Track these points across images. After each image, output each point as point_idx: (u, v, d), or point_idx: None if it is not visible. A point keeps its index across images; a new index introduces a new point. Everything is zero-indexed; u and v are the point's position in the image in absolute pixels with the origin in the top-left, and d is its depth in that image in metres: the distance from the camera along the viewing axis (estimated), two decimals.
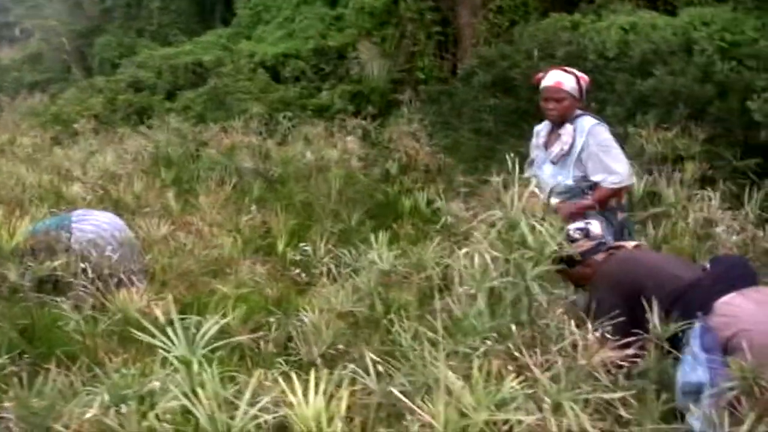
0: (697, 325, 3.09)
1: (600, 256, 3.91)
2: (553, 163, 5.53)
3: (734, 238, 5.29)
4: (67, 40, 26.44)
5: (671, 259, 3.97)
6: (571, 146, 5.45)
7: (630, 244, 4.06)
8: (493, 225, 3.40)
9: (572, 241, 3.91)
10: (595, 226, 4.05)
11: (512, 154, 3.78)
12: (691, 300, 3.22)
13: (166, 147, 11.26)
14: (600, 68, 10.11)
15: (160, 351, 2.76)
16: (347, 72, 16.33)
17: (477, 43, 13.97)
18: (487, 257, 3.42)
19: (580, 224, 4.12)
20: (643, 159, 7.61)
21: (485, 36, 13.95)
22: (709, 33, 10.08)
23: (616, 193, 5.36)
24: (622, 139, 7.69)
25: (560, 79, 5.59)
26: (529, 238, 3.28)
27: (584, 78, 5.62)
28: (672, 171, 7.16)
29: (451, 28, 15.10)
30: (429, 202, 8.83)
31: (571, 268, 3.90)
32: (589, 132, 5.44)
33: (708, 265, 3.54)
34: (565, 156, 5.49)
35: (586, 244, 3.92)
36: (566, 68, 5.72)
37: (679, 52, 9.80)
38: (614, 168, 5.34)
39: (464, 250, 3.61)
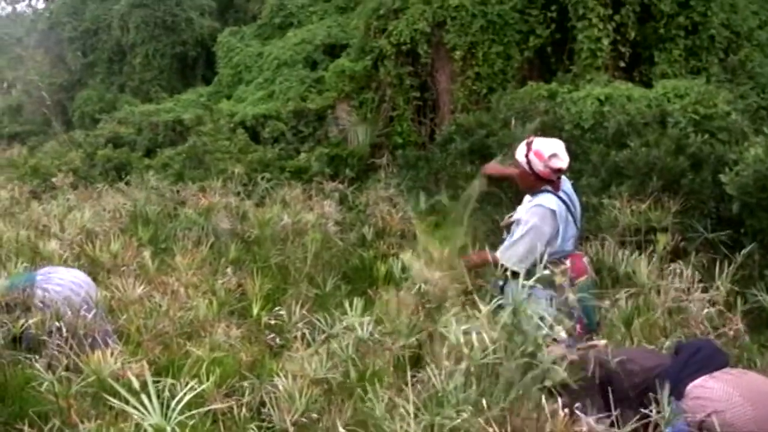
0: (671, 409, 3.12)
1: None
2: (506, 230, 5.71)
3: (705, 311, 5.34)
4: (48, 93, 26.44)
5: (640, 352, 3.99)
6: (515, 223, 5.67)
7: (600, 342, 4.07)
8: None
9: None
10: (562, 332, 4.03)
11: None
12: (662, 387, 3.24)
13: (144, 205, 11.25)
14: (576, 138, 10.25)
15: (134, 416, 2.77)
16: (326, 135, 16.45)
17: (455, 110, 14.12)
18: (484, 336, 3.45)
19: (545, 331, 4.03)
20: (616, 230, 7.69)
21: (463, 102, 14.11)
22: (683, 105, 10.26)
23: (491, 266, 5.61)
24: (595, 210, 7.80)
25: (517, 148, 5.80)
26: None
27: (538, 152, 5.72)
28: (645, 243, 7.23)
29: (430, 94, 15.24)
30: (404, 269, 8.87)
31: None
32: (529, 209, 5.68)
33: (675, 351, 3.58)
34: (513, 226, 5.68)
35: (557, 349, 3.89)
36: (531, 141, 5.84)
37: (653, 124, 9.98)
38: (512, 248, 5.61)
39: (464, 327, 3.65)
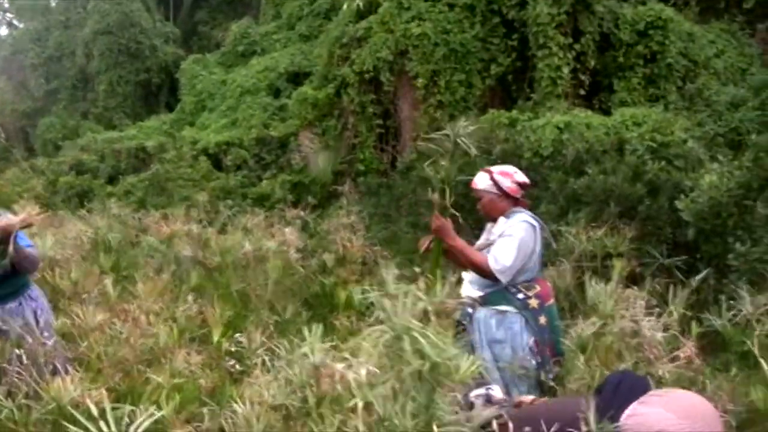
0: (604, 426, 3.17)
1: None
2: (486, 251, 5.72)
3: (660, 335, 5.41)
4: (10, 120, 26.33)
5: (569, 401, 4.02)
6: (497, 236, 5.68)
7: (527, 398, 4.06)
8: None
9: (472, 407, 3.81)
10: (497, 391, 4.00)
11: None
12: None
13: (107, 233, 11.25)
14: (535, 166, 10.36)
15: None
16: (288, 162, 16.53)
17: (417, 137, 14.20)
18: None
19: (481, 390, 3.94)
20: (573, 257, 7.78)
21: (425, 130, 14.18)
22: (641, 133, 10.42)
23: (482, 270, 5.57)
24: (554, 237, 7.91)
25: (475, 179, 5.87)
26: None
27: (503, 172, 5.81)
28: (601, 268, 7.32)
29: (392, 121, 15.35)
30: (364, 296, 8.93)
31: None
32: (512, 225, 5.66)
33: (597, 391, 3.63)
34: (490, 246, 5.70)
35: (488, 411, 3.82)
36: (489, 168, 5.91)
37: (611, 151, 10.11)
38: (503, 258, 5.54)
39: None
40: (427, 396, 3.07)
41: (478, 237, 6.12)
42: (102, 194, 16.70)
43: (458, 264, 5.81)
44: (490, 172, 5.80)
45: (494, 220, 5.81)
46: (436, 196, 5.50)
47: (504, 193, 5.76)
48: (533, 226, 5.73)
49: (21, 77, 28.44)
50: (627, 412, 3.21)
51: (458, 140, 5.20)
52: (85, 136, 21.81)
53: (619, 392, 3.32)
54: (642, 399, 3.24)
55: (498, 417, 3.47)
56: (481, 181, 5.82)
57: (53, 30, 27.95)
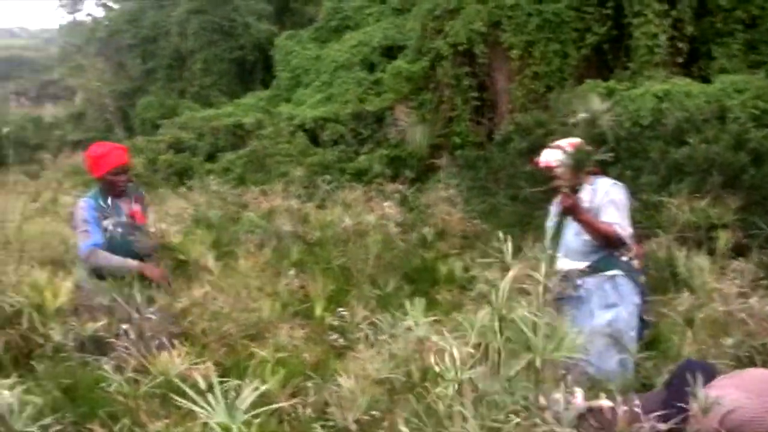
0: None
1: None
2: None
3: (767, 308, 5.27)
4: (109, 100, 26.79)
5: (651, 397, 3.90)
6: (590, 204, 5.60)
7: (605, 404, 3.89)
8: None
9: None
10: (579, 397, 3.83)
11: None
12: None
13: (207, 209, 11.35)
14: (635, 136, 10.17)
15: (201, 416, 2.81)
16: (385, 136, 16.50)
17: (513, 109, 14.10)
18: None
19: (560, 395, 3.75)
20: (676, 228, 7.62)
21: (521, 101, 14.07)
22: (743, 101, 10.16)
23: (612, 238, 5.58)
24: (655, 208, 7.73)
25: (546, 158, 5.87)
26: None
27: (572, 144, 5.70)
28: (705, 240, 7.16)
29: (488, 94, 15.23)
30: (465, 269, 8.87)
31: None
32: (607, 192, 5.71)
33: (667, 384, 3.54)
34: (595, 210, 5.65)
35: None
36: (557, 143, 5.80)
37: (712, 119, 9.86)
38: (623, 224, 5.59)
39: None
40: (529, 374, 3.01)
41: None
42: (201, 171, 16.91)
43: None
44: (560, 147, 5.70)
45: (573, 192, 5.70)
46: (563, 171, 5.43)
47: (574, 162, 5.68)
48: (622, 187, 5.81)
49: (118, 58, 28.91)
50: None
51: (592, 115, 5.04)
52: (182, 115, 22.08)
53: (685, 382, 3.22)
54: (711, 383, 3.15)
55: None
56: (554, 156, 5.72)
57: (148, 11, 28.33)
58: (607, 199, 5.68)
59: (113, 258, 6.20)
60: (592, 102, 4.75)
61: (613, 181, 5.83)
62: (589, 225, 5.56)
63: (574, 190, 5.59)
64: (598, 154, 4.97)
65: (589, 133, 4.78)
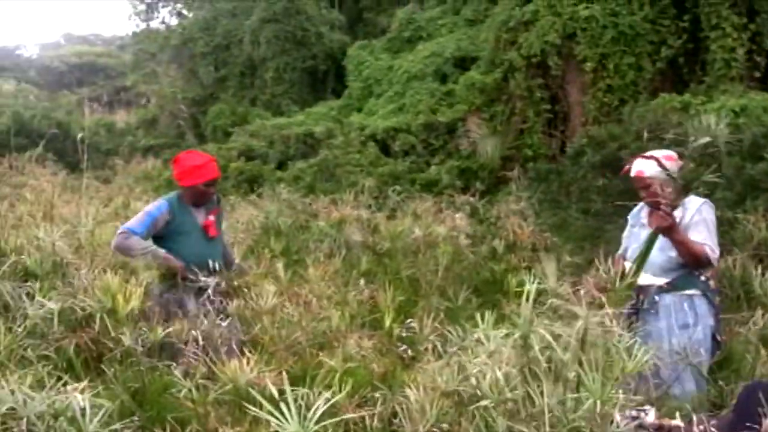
0: None
1: None
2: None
3: None
4: (182, 107, 27.06)
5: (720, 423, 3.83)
6: (680, 221, 5.50)
7: (675, 423, 3.84)
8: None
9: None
10: (651, 415, 3.80)
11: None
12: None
13: (277, 217, 11.42)
14: (710, 152, 10.02)
15: (272, 424, 2.80)
16: (456, 147, 16.48)
17: (586, 122, 14.00)
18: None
19: (633, 412, 3.71)
20: (751, 245, 7.50)
21: (594, 114, 13.97)
22: None
23: (702, 259, 5.47)
24: (730, 225, 7.60)
25: (640, 167, 5.74)
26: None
27: (669, 156, 5.62)
28: None
29: (560, 106, 15.17)
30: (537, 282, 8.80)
31: None
32: (698, 210, 5.58)
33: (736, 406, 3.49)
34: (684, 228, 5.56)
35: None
36: (649, 154, 5.74)
37: None
38: (713, 245, 5.49)
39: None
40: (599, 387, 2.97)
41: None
42: (271, 179, 17.00)
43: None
44: (655, 158, 5.63)
45: (659, 207, 5.60)
46: (666, 188, 5.37)
47: (672, 177, 5.58)
48: (713, 206, 5.72)
49: (191, 66, 29.18)
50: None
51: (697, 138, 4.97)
52: (254, 123, 22.20)
53: (753, 403, 3.16)
54: None
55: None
56: (648, 168, 5.67)
57: (221, 19, 28.56)
58: (699, 217, 5.56)
59: (143, 242, 6.21)
60: (708, 123, 4.71)
61: (704, 199, 5.71)
62: (683, 245, 5.45)
63: (674, 208, 5.49)
64: (706, 175, 4.92)
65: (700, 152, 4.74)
